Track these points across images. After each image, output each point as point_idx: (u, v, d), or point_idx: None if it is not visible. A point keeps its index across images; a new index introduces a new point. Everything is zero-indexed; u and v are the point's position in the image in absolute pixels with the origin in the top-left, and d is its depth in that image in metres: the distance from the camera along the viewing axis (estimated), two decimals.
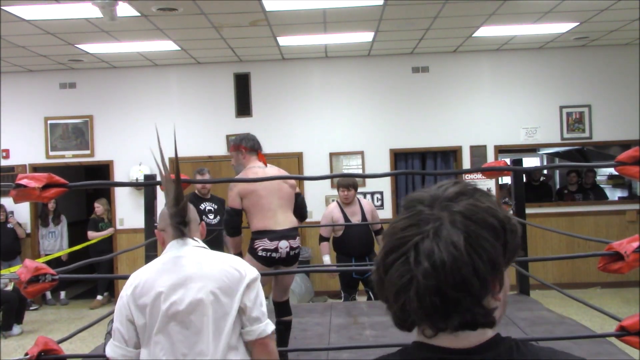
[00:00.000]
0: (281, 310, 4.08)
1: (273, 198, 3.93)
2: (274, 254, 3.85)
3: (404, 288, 0.92)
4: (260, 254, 3.83)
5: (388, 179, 8.68)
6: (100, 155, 8.92)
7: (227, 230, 4.02)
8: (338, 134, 8.80)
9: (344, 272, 6.00)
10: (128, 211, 8.85)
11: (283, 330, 3.98)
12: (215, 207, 6.54)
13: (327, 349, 3.89)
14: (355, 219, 5.94)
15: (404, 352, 1.02)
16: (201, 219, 6.19)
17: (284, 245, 3.87)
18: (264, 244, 3.84)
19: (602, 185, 9.95)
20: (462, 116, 8.77)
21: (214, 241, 6.18)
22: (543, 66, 8.78)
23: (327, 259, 6.08)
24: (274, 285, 4.15)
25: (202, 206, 6.45)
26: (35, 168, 8.73)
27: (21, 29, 6.55)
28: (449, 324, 0.93)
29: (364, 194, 8.68)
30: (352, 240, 5.98)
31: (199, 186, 6.54)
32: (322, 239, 6.10)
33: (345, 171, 8.71)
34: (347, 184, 5.98)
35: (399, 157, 8.91)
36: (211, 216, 6.45)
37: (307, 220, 8.94)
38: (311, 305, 6.57)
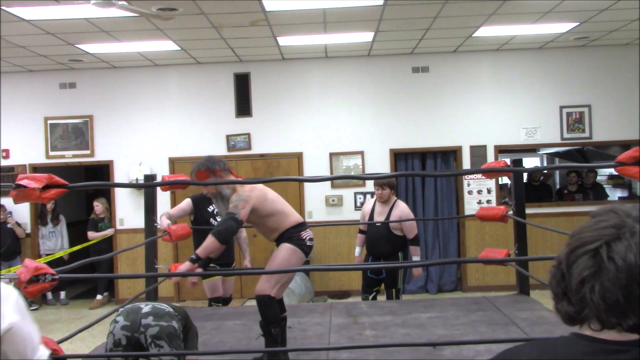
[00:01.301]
0: (281, 307, 4.08)
1: (280, 198, 4.04)
2: (313, 241, 4.03)
3: (589, 280, 1.01)
4: (308, 243, 3.94)
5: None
6: (100, 155, 8.92)
7: (226, 237, 3.67)
8: (338, 134, 8.80)
9: (364, 270, 6.08)
10: (128, 211, 8.85)
11: (284, 326, 4.01)
12: None
13: (327, 348, 3.89)
14: (379, 219, 5.92)
15: (562, 339, 1.09)
16: (209, 221, 6.02)
17: None
18: (307, 233, 3.96)
19: (603, 185, 9.94)
20: (462, 116, 8.77)
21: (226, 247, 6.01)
22: (543, 66, 8.78)
23: (356, 251, 6.27)
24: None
25: (210, 208, 6.00)
26: (35, 168, 8.73)
27: (21, 29, 6.55)
28: (623, 323, 1.00)
29: (364, 194, 8.70)
30: (370, 239, 6.04)
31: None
32: (359, 230, 6.28)
33: (345, 172, 8.72)
34: (381, 182, 5.92)
35: (399, 157, 8.91)
36: (219, 218, 6.06)
37: (307, 220, 8.99)
38: (311, 305, 6.56)
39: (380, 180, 5.87)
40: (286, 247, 3.87)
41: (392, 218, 5.86)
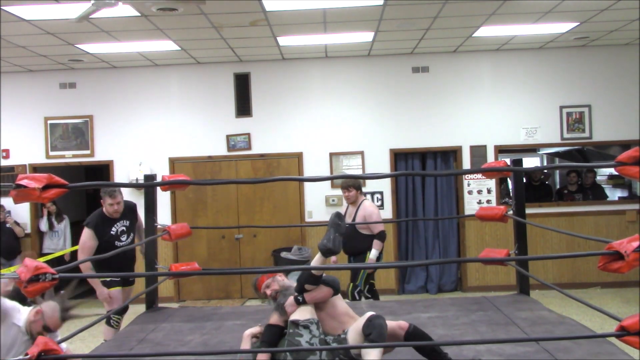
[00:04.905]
0: None
1: None
2: None
3: None
4: None
5: (388, 179, 8.68)
6: (100, 155, 8.92)
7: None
8: (338, 134, 8.80)
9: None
10: None
11: None
12: (128, 223, 5.72)
13: (327, 348, 3.88)
14: (348, 220, 6.18)
15: None
16: (114, 244, 5.42)
17: None
18: None
19: (602, 185, 9.94)
20: (462, 116, 8.77)
21: (129, 263, 5.65)
22: (543, 66, 8.78)
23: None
24: None
25: (113, 230, 5.58)
26: (35, 168, 8.73)
27: (21, 29, 6.55)
28: None
29: (364, 194, 8.69)
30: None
31: (108, 208, 5.56)
32: None
33: (346, 171, 8.73)
34: (346, 185, 6.29)
35: (399, 157, 8.91)
36: (124, 237, 5.66)
37: (307, 220, 9.01)
38: None
39: (345, 182, 6.29)
40: None
41: (357, 218, 6.23)
